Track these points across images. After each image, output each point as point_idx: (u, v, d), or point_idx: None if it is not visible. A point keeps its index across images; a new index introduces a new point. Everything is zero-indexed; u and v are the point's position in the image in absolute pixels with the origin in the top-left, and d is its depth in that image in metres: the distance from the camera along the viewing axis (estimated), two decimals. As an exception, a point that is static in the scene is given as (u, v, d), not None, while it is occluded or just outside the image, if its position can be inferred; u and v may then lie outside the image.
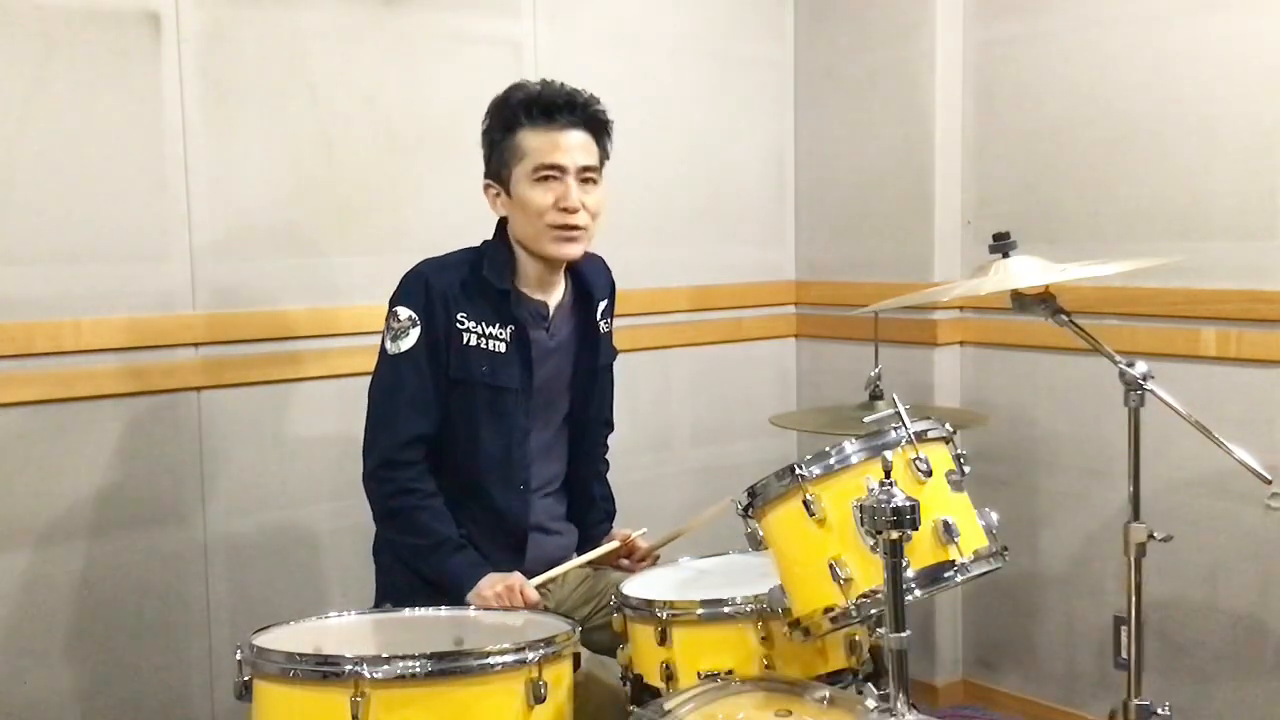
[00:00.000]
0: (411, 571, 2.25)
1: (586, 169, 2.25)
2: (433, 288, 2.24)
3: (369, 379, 2.30)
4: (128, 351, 2.61)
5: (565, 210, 2.22)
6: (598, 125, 2.29)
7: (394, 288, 2.28)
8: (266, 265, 2.78)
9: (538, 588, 2.20)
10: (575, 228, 2.25)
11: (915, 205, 3.43)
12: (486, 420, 2.27)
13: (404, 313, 2.24)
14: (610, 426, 2.55)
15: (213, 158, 2.69)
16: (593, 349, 2.42)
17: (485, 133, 2.31)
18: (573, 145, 2.24)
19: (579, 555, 2.40)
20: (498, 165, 2.27)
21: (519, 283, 2.31)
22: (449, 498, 2.26)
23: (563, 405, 2.41)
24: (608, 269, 2.48)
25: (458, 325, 2.24)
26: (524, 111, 2.23)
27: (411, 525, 2.23)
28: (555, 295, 2.36)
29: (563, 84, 2.27)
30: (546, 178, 2.23)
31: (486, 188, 2.31)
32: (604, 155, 2.31)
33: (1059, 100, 3.18)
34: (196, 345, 2.70)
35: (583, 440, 2.46)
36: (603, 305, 2.44)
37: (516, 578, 2.17)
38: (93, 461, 2.59)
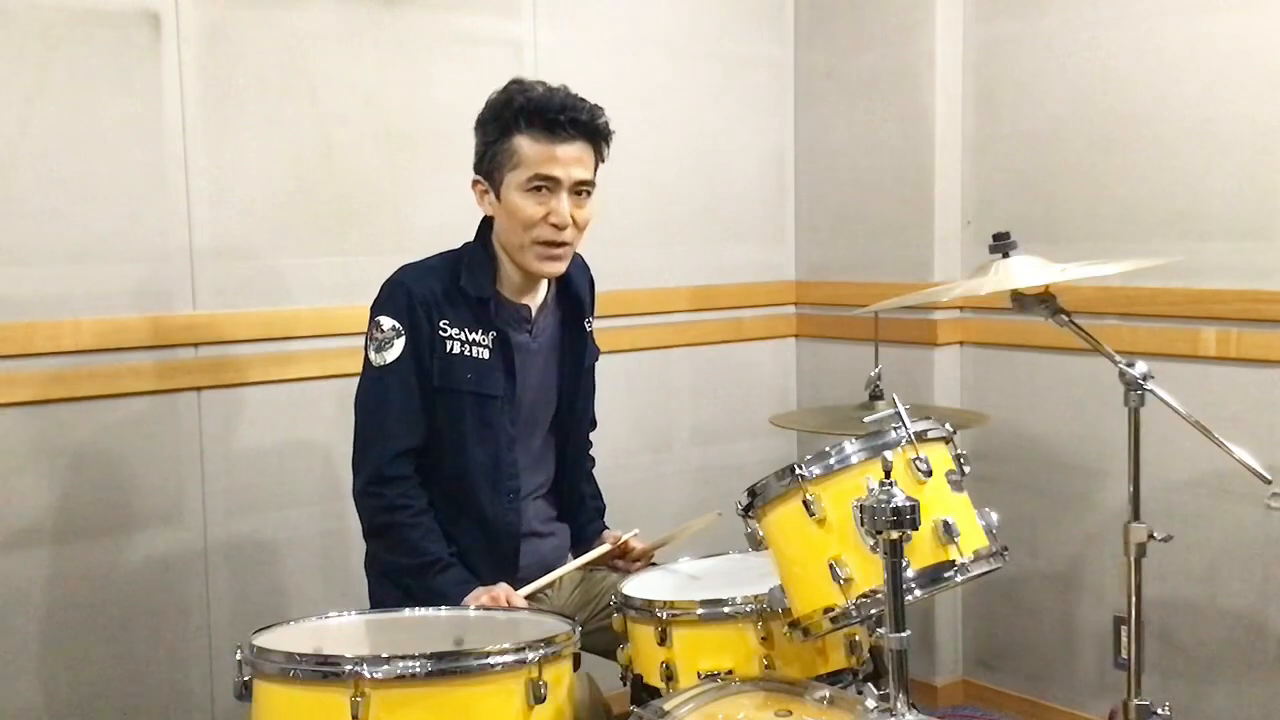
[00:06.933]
0: (400, 588, 2.22)
1: (581, 183, 2.22)
2: (415, 295, 2.20)
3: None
4: (127, 351, 2.61)
5: (554, 226, 2.20)
6: (598, 136, 2.24)
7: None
8: (266, 265, 2.78)
9: (530, 596, 2.19)
10: (561, 244, 2.22)
11: (915, 205, 3.43)
12: (473, 429, 2.25)
13: (387, 323, 2.20)
14: (594, 424, 2.55)
15: (213, 158, 2.69)
16: (579, 349, 2.40)
17: (479, 127, 2.25)
18: (570, 158, 2.19)
19: (571, 556, 2.40)
20: (490, 165, 2.23)
21: (501, 288, 2.28)
22: (439, 509, 2.24)
23: (549, 409, 2.39)
24: (586, 266, 2.45)
25: (441, 333, 2.21)
26: (524, 118, 2.18)
27: (401, 543, 2.20)
28: (538, 297, 2.33)
29: (566, 92, 2.21)
30: (539, 188, 2.19)
31: (475, 184, 2.27)
32: (600, 162, 2.27)
33: (1059, 100, 3.18)
34: (196, 345, 2.70)
35: (569, 441, 2.44)
36: (586, 304, 2.42)
37: (502, 589, 2.15)
38: (92, 461, 2.59)
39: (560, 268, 2.27)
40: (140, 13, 2.59)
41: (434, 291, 2.22)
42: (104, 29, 2.55)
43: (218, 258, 2.71)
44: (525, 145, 2.18)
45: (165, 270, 2.66)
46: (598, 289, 2.50)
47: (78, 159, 2.53)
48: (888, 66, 3.47)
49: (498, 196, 2.23)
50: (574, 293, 2.39)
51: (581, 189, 2.23)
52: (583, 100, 2.22)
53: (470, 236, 2.34)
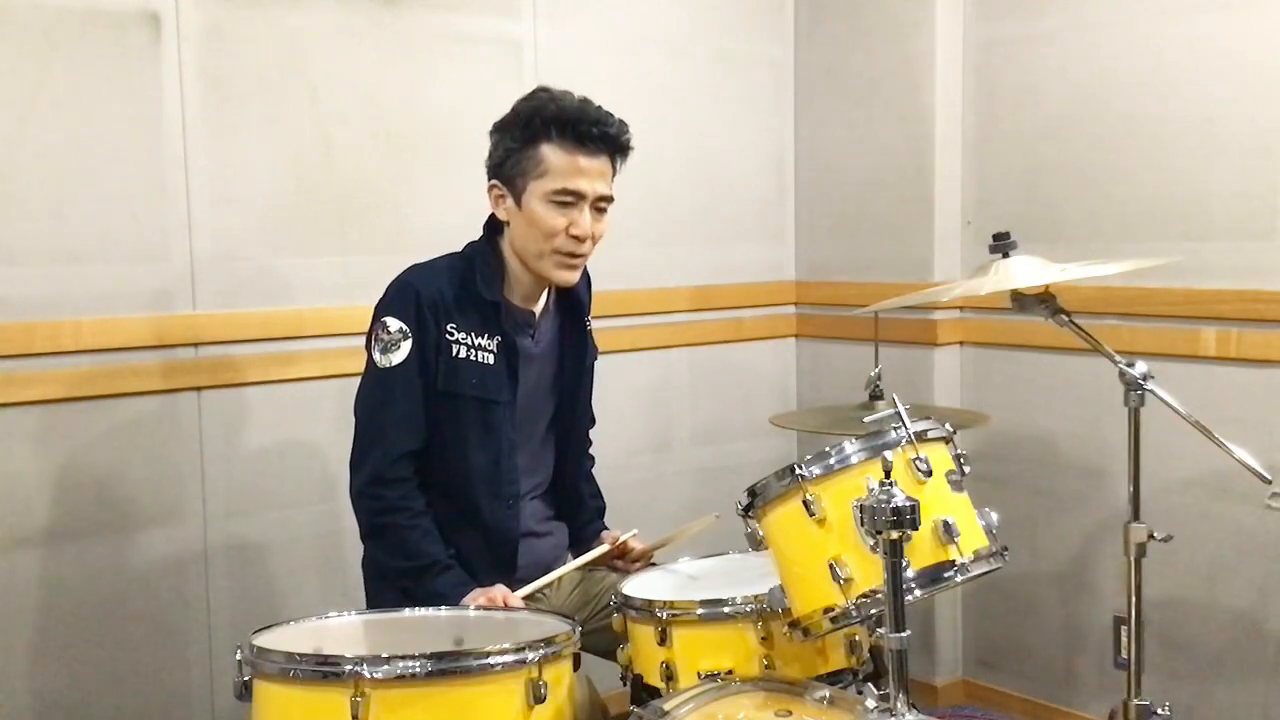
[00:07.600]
0: (398, 590, 2.21)
1: (602, 198, 2.23)
2: (423, 297, 2.19)
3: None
4: (128, 351, 2.61)
5: (576, 238, 2.20)
6: (621, 153, 2.25)
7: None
8: (266, 265, 2.78)
9: (529, 597, 2.19)
10: (581, 255, 2.24)
11: (915, 205, 3.43)
12: (475, 433, 2.24)
13: (394, 324, 2.19)
14: (593, 421, 2.54)
15: (213, 158, 2.69)
16: (580, 350, 2.41)
17: (501, 131, 2.24)
18: (595, 172, 2.20)
19: (570, 556, 2.40)
20: (511, 171, 2.21)
21: (508, 293, 2.29)
22: (438, 511, 2.23)
23: (547, 411, 2.39)
24: (584, 269, 2.46)
25: (448, 336, 2.21)
26: (555, 127, 2.17)
27: (399, 545, 2.19)
28: (540, 302, 2.34)
29: (597, 107, 2.21)
30: (564, 202, 2.19)
31: (491, 188, 2.26)
32: (614, 176, 2.28)
33: (1059, 100, 3.18)
34: (196, 345, 2.70)
35: (569, 441, 2.44)
36: (585, 304, 2.43)
37: (499, 590, 2.15)
38: (92, 461, 2.59)
39: (575, 277, 2.27)
40: (140, 13, 2.59)
41: (443, 294, 2.21)
42: (104, 29, 2.55)
43: (217, 258, 2.71)
44: (552, 155, 2.18)
45: (165, 270, 2.66)
46: (598, 288, 2.50)
47: (78, 159, 2.53)
48: (888, 66, 3.47)
49: (518, 203, 2.22)
50: (573, 294, 2.39)
51: (602, 203, 2.24)
52: (611, 115, 2.22)
53: (470, 236, 2.34)
